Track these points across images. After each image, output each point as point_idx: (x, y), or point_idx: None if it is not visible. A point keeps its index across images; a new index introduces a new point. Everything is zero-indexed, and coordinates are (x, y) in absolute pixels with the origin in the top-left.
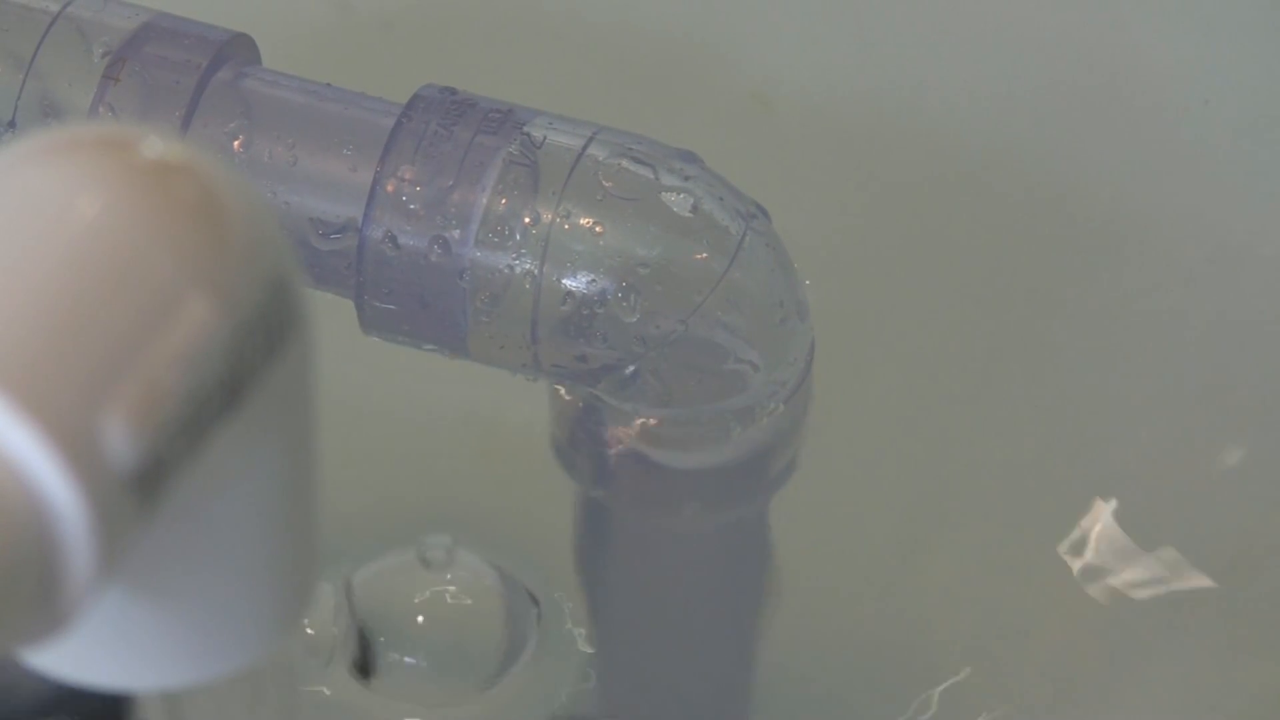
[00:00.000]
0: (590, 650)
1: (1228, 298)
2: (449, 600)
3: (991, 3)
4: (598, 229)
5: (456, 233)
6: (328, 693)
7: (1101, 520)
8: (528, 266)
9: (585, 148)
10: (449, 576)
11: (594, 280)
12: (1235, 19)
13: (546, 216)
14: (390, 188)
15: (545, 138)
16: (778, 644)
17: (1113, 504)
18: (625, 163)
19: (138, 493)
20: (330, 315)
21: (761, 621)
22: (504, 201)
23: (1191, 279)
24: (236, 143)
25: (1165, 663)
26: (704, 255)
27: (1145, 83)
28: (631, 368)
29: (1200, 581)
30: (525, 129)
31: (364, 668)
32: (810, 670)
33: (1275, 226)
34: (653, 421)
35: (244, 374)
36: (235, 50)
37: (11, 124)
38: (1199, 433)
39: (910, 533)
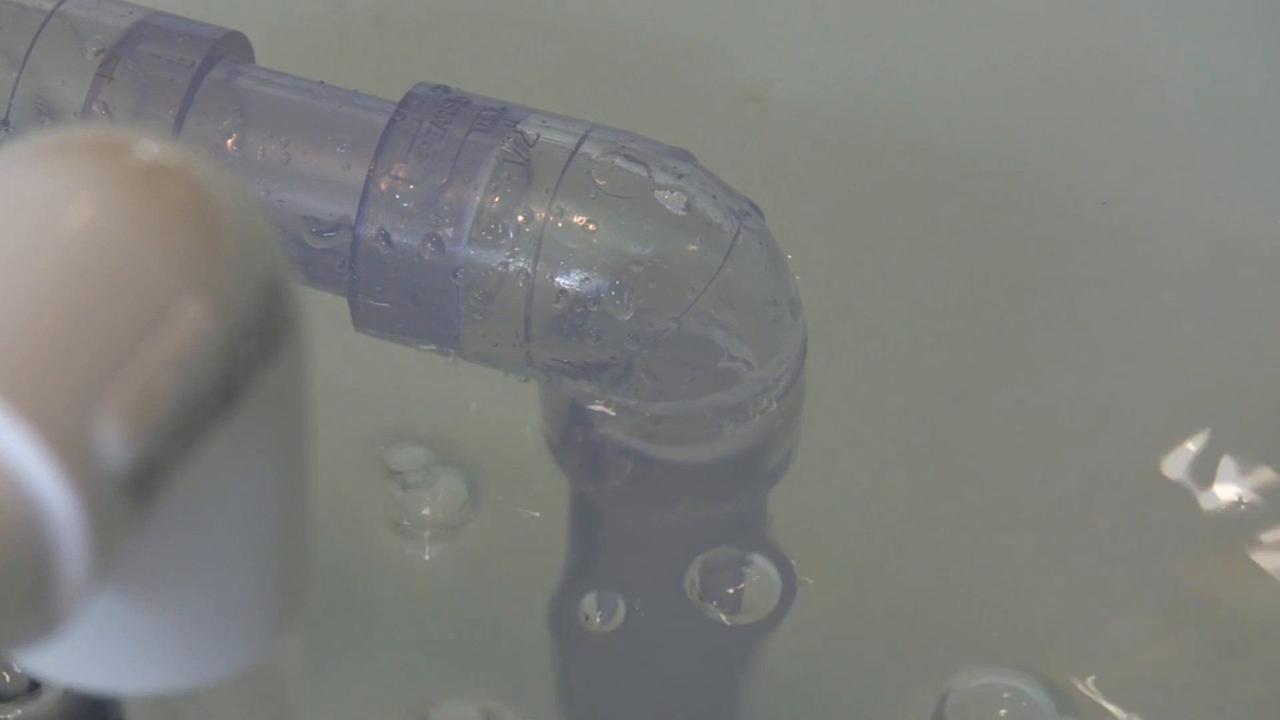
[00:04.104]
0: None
1: (1225, 295)
2: None
3: (987, 2)
4: (591, 227)
5: (450, 231)
6: None
7: (1097, 516)
8: (521, 264)
9: (579, 146)
10: None
11: (587, 278)
12: (1235, 18)
13: (540, 214)
14: (384, 186)
15: (539, 136)
16: (770, 638)
17: (1109, 500)
18: (619, 161)
19: (131, 495)
20: (323, 313)
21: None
22: (497, 199)
23: (1188, 275)
24: (230, 141)
25: (1166, 660)
26: (697, 253)
27: (1142, 80)
28: (625, 365)
29: (1199, 579)
30: (519, 127)
31: None
32: (804, 665)
33: (1272, 223)
34: (646, 418)
35: (238, 376)
36: (228, 48)
37: (5, 122)
38: (1197, 428)
39: (906, 528)
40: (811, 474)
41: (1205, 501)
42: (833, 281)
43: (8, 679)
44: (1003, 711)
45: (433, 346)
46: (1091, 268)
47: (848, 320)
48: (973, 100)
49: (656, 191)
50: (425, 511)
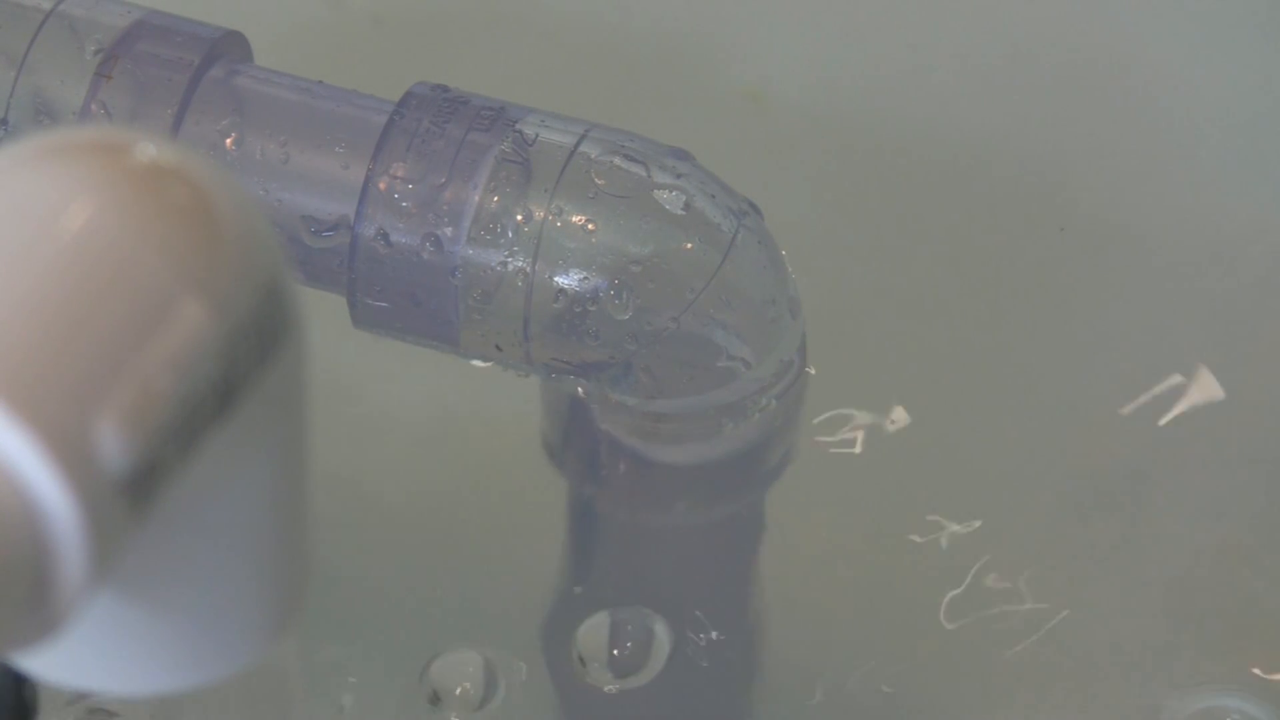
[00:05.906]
0: None
1: (1222, 293)
2: None
3: (987, 3)
4: (590, 226)
5: (449, 230)
6: None
7: (1097, 514)
8: (520, 264)
9: (578, 145)
10: None
11: (586, 278)
12: (1233, 18)
13: (539, 214)
14: (382, 185)
15: (537, 135)
16: (774, 638)
17: (1107, 498)
18: (618, 160)
19: (130, 497)
20: (321, 312)
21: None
22: (496, 199)
23: (1186, 274)
24: (229, 140)
25: (1165, 658)
26: (696, 252)
27: (1142, 80)
28: (624, 364)
29: (1198, 576)
30: (517, 126)
31: None
32: (807, 665)
33: (1270, 222)
34: (645, 418)
35: (237, 378)
36: (227, 48)
37: (4, 121)
38: (1194, 425)
39: (905, 526)
40: (809, 472)
41: (1204, 496)
42: (832, 281)
43: None
44: None
45: (431, 345)
46: (1090, 267)
47: (847, 320)
48: (972, 100)
49: (655, 191)
50: None
